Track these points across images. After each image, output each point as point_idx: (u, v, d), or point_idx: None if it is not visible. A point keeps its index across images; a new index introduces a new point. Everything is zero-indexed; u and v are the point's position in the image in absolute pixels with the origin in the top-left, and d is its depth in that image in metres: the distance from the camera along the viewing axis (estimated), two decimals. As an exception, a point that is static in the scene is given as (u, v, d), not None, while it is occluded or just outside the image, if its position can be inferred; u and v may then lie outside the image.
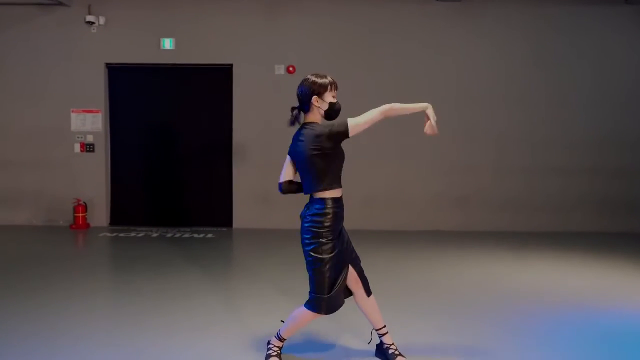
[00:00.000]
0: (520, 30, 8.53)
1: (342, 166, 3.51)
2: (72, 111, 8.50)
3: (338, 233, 3.44)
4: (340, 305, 3.47)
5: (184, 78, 8.58)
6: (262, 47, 8.44)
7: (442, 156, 8.59)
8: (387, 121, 8.50)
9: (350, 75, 8.19)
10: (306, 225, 3.39)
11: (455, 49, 8.52)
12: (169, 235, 7.97)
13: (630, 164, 8.61)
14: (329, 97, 3.42)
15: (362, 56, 8.44)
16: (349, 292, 3.57)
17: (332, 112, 3.47)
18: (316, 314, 3.44)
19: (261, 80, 8.46)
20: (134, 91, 8.64)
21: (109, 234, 7.99)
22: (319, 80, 3.43)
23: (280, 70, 8.46)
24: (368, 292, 3.61)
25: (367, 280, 3.62)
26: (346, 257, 3.50)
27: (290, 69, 8.44)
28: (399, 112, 3.64)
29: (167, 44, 8.41)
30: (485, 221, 8.59)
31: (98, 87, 8.50)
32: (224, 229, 8.52)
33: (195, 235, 7.95)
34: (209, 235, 7.97)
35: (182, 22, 8.42)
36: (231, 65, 8.47)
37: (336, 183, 3.46)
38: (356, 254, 3.63)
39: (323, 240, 3.35)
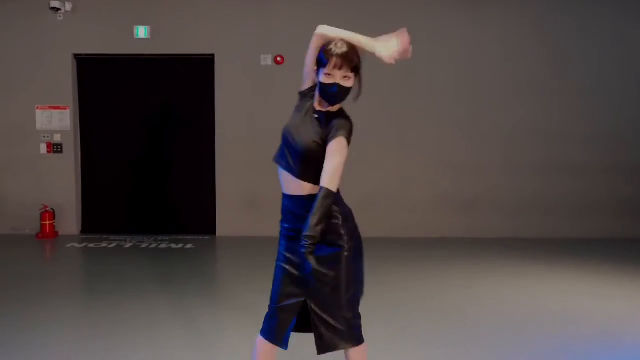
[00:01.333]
0: (531, 16, 7.71)
1: (285, 139, 2.64)
2: (37, 108, 7.66)
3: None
4: (281, 335, 2.58)
5: (161, 70, 7.75)
6: (247, 35, 7.62)
7: (447, 154, 7.77)
8: (386, 117, 7.72)
9: None
10: None
11: (460, 37, 7.69)
12: (144, 245, 7.14)
13: (656, 161, 7.81)
14: (321, 75, 2.51)
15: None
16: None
17: (322, 94, 2.54)
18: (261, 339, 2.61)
19: (246, 72, 7.63)
20: (106, 85, 7.80)
21: (77, 245, 7.16)
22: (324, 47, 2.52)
23: (267, 60, 7.63)
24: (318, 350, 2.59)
25: (322, 337, 2.56)
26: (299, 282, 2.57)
27: (279, 59, 7.61)
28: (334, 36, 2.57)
29: (142, 32, 7.58)
30: (496, 227, 7.78)
31: (66, 80, 7.66)
32: (207, 237, 7.70)
33: (173, 246, 7.13)
34: (189, 246, 7.14)
35: (158, 8, 7.59)
36: (213, 55, 7.64)
37: (277, 158, 2.72)
38: (321, 297, 2.53)
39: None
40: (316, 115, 2.54)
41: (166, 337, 3.99)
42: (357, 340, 2.60)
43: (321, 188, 2.39)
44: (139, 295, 4.98)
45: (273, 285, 2.63)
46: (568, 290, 5.31)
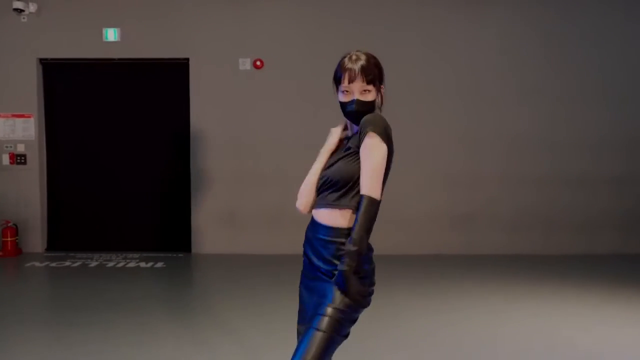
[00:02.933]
0: (532, 21, 7.16)
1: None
2: (-1, 116, 7.15)
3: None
4: None
5: (132, 75, 7.21)
6: (223, 38, 7.08)
7: (443, 165, 7.20)
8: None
9: (329, 70, 6.87)
10: None
11: (457, 41, 7.15)
12: (110, 264, 6.56)
13: (666, 172, 7.22)
14: (339, 93, 2.28)
15: (344, 50, 7.05)
16: None
17: (345, 114, 2.29)
18: None
19: (223, 77, 7.09)
20: (73, 91, 7.27)
21: (38, 264, 6.59)
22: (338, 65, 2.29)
23: (245, 65, 7.09)
24: None
25: None
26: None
27: (258, 63, 7.07)
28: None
29: (111, 35, 7.06)
30: (494, 242, 7.19)
31: (30, 86, 7.12)
32: (181, 254, 7.12)
33: (142, 265, 6.55)
34: (159, 264, 6.56)
35: (129, 9, 7.06)
36: (188, 59, 7.10)
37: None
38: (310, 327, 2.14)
39: None
40: (346, 142, 2.29)
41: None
42: None
43: (362, 197, 2.12)
44: (94, 326, 4.39)
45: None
46: (571, 312, 4.71)
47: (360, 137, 2.15)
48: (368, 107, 2.22)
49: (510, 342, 4.09)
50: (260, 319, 4.57)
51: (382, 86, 2.28)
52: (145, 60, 7.11)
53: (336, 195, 2.22)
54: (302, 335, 2.17)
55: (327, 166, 2.28)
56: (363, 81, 2.20)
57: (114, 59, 7.10)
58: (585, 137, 7.22)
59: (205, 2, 7.07)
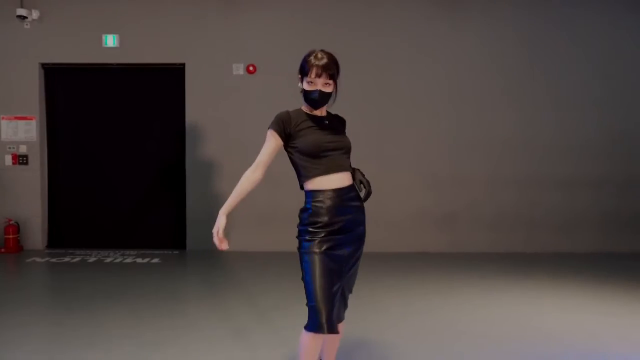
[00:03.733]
0: (513, 24, 7.49)
1: (327, 150, 2.80)
2: (2, 118, 7.44)
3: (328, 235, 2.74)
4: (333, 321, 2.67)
5: (130, 80, 7.52)
6: (218, 44, 7.40)
7: (427, 167, 7.50)
8: (363, 126, 7.48)
9: None
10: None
11: (440, 46, 7.47)
12: (108, 260, 6.85)
13: (642, 174, 7.53)
14: (304, 82, 2.81)
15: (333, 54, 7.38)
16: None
17: (306, 101, 2.86)
18: (314, 333, 2.65)
19: (218, 81, 7.40)
20: (73, 95, 7.58)
21: (39, 259, 6.87)
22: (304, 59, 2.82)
23: (239, 70, 7.40)
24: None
25: (341, 312, 2.86)
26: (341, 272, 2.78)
27: (251, 68, 7.39)
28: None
29: (110, 41, 7.37)
30: (478, 241, 7.49)
31: (32, 90, 7.44)
32: (176, 251, 7.41)
33: (139, 260, 6.84)
34: (155, 260, 6.85)
35: (127, 16, 7.38)
36: (183, 65, 7.42)
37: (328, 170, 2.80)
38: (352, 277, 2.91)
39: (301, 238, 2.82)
40: (327, 122, 2.85)
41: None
42: None
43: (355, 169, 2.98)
44: (88, 313, 4.68)
45: (312, 281, 2.65)
46: (550, 307, 5.00)
47: (341, 121, 3.01)
48: (327, 97, 2.81)
49: (487, 332, 4.38)
50: (250, 307, 4.85)
51: (336, 81, 2.82)
52: (142, 65, 7.42)
53: (348, 161, 2.89)
54: (346, 281, 2.79)
55: (332, 140, 2.80)
56: (326, 77, 2.75)
57: (112, 64, 7.41)
58: (566, 140, 7.52)
59: (201, 10, 7.38)
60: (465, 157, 7.52)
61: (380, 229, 7.41)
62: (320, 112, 2.87)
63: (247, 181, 2.90)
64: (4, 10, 7.30)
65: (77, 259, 6.89)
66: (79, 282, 5.78)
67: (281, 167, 7.35)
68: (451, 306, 4.99)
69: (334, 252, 2.70)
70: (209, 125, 7.42)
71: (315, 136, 2.78)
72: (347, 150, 2.88)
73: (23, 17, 7.27)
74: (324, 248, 2.68)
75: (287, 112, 2.84)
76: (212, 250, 7.32)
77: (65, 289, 5.58)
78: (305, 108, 2.87)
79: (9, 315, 4.60)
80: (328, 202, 2.73)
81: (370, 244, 7.54)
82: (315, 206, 2.74)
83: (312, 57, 2.75)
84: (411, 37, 7.44)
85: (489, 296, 5.32)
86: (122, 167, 7.59)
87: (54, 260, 6.86)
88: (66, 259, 6.89)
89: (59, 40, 7.38)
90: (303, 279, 2.70)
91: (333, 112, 3.03)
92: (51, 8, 7.35)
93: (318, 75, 2.74)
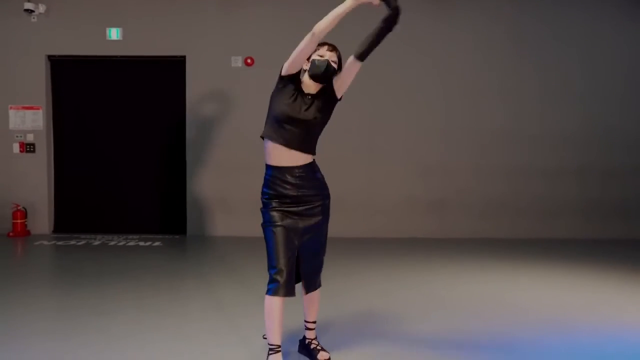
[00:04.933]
0: (504, 20, 7.79)
1: (286, 119, 3.04)
2: (10, 108, 7.75)
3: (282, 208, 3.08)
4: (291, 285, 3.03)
5: (133, 71, 7.85)
6: (217, 37, 7.72)
7: (416, 155, 7.82)
8: (355, 117, 7.80)
9: None
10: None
11: (430, 41, 7.78)
12: (112, 243, 7.19)
13: (623, 163, 7.85)
14: (314, 55, 3.13)
15: (328, 47, 7.69)
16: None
17: (312, 69, 3.11)
18: (273, 297, 2.97)
19: (217, 73, 7.72)
20: (79, 86, 7.90)
21: (46, 243, 7.21)
22: None
23: (237, 62, 7.72)
24: (306, 290, 3.25)
25: (311, 279, 3.23)
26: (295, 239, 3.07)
27: (249, 60, 7.70)
28: (328, 24, 3.11)
29: (114, 34, 7.68)
30: (465, 227, 7.81)
31: (39, 81, 7.76)
32: (177, 236, 7.75)
33: (141, 244, 7.17)
34: (156, 244, 7.19)
35: (130, 10, 7.69)
36: (184, 57, 7.74)
37: (272, 136, 3.08)
38: (315, 252, 3.20)
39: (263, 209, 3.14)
40: (309, 97, 3.04)
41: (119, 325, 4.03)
42: (321, 281, 3.30)
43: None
44: (93, 287, 5.03)
45: (272, 249, 2.99)
46: (526, 284, 5.34)
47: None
48: (332, 72, 3.12)
49: (468, 306, 4.72)
50: (242, 288, 5.19)
51: (339, 68, 3.17)
52: (145, 57, 7.73)
53: (310, 139, 3.18)
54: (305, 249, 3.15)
55: (303, 117, 3.05)
56: (334, 54, 3.15)
57: (116, 56, 7.73)
58: (551, 131, 7.83)
59: (201, 4, 7.69)
60: (454, 147, 7.83)
61: (371, 216, 7.75)
62: (316, 87, 3.11)
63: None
64: (12, 4, 7.61)
65: (82, 242, 7.22)
66: (84, 261, 6.13)
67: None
68: (437, 283, 5.33)
69: (286, 222, 3.02)
70: (209, 115, 7.74)
71: (281, 100, 3.07)
72: (303, 134, 3.05)
73: (30, 11, 7.58)
74: (277, 220, 3.02)
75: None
76: (211, 235, 7.70)
77: (72, 267, 5.92)
78: (304, 87, 3.11)
79: (21, 288, 4.94)
80: (279, 178, 3.05)
81: (362, 230, 7.87)
82: (266, 180, 3.11)
83: (325, 43, 3.13)
84: (402, 30, 7.70)
85: (472, 276, 5.65)
86: (125, 155, 7.91)
87: (60, 243, 7.20)
88: (72, 242, 7.23)
89: (64, 33, 7.69)
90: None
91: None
92: (57, 2, 7.65)
93: (329, 49, 3.11)
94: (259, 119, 7.70)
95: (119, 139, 7.90)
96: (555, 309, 4.54)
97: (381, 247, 7.07)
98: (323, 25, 3.00)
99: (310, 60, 3.08)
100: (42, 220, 7.85)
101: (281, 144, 3.03)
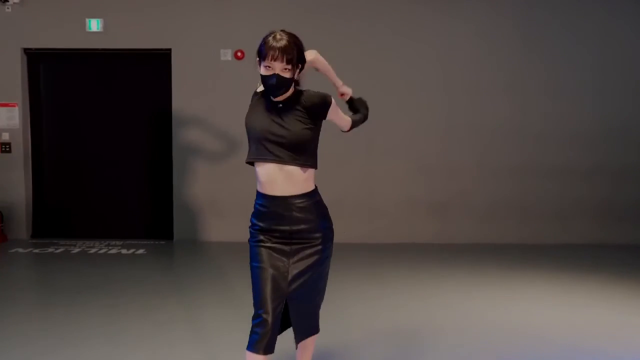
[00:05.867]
0: (510, 12, 7.29)
1: (261, 136, 2.56)
2: (-16, 105, 7.27)
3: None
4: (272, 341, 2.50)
5: (115, 65, 7.35)
6: (205, 29, 7.21)
7: (417, 155, 7.36)
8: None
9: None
10: None
11: (433, 33, 7.29)
12: (92, 250, 6.73)
13: (637, 163, 7.40)
14: (262, 67, 2.54)
15: (323, 41, 7.17)
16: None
17: (265, 86, 2.58)
18: (251, 353, 2.47)
19: (205, 67, 7.23)
20: (57, 81, 7.39)
21: (22, 250, 6.74)
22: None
23: (226, 55, 7.23)
24: (297, 339, 2.65)
25: (302, 326, 2.66)
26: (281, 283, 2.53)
27: (239, 54, 7.21)
28: (321, 65, 2.96)
29: (94, 25, 7.17)
30: (468, 231, 7.36)
31: (14, 76, 7.24)
32: (163, 241, 7.29)
33: (124, 251, 6.71)
34: (140, 251, 6.73)
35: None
36: (170, 50, 7.23)
37: (257, 156, 2.59)
38: (308, 299, 2.64)
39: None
40: (280, 105, 2.55)
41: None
42: (318, 326, 2.79)
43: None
44: (64, 306, 4.57)
45: (256, 292, 2.52)
46: (541, 299, 4.91)
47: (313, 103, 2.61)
48: (288, 84, 2.52)
49: (476, 320, 4.28)
50: (230, 309, 4.74)
51: (298, 65, 2.55)
52: (127, 50, 7.23)
53: (290, 154, 2.60)
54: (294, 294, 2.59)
55: (272, 130, 2.55)
56: (283, 61, 2.46)
57: (96, 49, 7.23)
58: (560, 128, 7.37)
59: (187, -7, 7.19)
60: (456, 147, 7.37)
61: (368, 219, 7.30)
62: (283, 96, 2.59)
63: None
64: (-16, -7, 7.10)
65: (60, 250, 6.76)
66: (59, 274, 5.66)
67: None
68: (436, 299, 4.88)
69: (275, 264, 2.54)
70: (197, 112, 7.26)
71: (255, 117, 2.61)
72: (288, 143, 2.51)
73: (4, 1, 7.07)
74: (263, 260, 2.54)
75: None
76: (200, 240, 7.24)
77: (44, 282, 5.49)
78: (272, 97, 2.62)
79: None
80: (271, 209, 2.57)
81: (359, 235, 7.43)
82: (256, 209, 2.65)
83: (270, 38, 2.50)
84: (403, 24, 7.26)
85: (476, 288, 5.21)
86: (108, 155, 7.43)
87: (37, 250, 6.74)
88: (50, 250, 6.76)
89: (41, 25, 7.18)
90: None
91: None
92: (33, -9, 7.15)
93: (274, 59, 2.45)
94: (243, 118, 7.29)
95: (100, 138, 7.41)
96: (578, 333, 4.10)
97: (381, 254, 6.63)
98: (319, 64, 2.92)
99: (261, 75, 2.53)
100: (19, 224, 7.37)
101: (270, 160, 2.53)
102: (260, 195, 2.61)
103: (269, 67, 2.47)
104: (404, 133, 7.35)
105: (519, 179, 7.38)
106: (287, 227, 2.55)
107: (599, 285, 5.40)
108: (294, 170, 2.53)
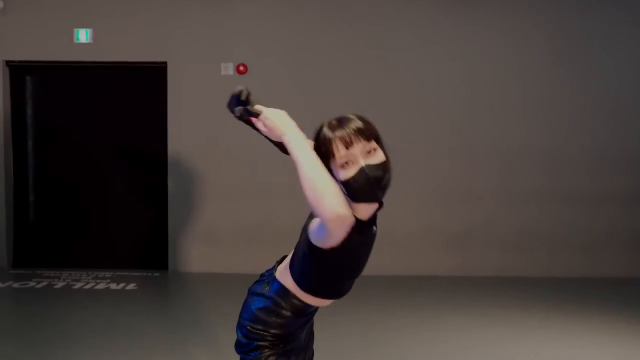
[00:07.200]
0: (537, 23, 6.66)
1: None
2: (-38, 122, 6.65)
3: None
4: None
5: (105, 80, 6.75)
6: (204, 41, 6.61)
7: (437, 180, 6.71)
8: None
9: (318, 77, 6.54)
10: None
11: (453, 43, 6.66)
12: (77, 285, 6.08)
13: (680, 190, 6.75)
14: (337, 171, 1.81)
15: (332, 52, 6.60)
16: None
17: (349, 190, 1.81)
18: None
19: (204, 82, 6.61)
20: (42, 96, 6.79)
21: (0, 284, 6.10)
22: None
23: (228, 69, 6.61)
24: None
25: None
26: None
27: (241, 68, 6.61)
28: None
29: (83, 36, 6.57)
30: (492, 264, 6.71)
31: (-5, 91, 6.65)
32: (157, 273, 6.64)
33: (113, 286, 6.06)
34: (131, 286, 6.07)
35: (102, 8, 6.57)
36: (165, 63, 6.62)
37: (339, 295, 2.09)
38: None
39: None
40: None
41: None
42: None
43: None
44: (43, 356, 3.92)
45: None
46: (580, 341, 4.29)
47: None
48: (384, 170, 1.82)
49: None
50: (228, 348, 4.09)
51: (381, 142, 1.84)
52: (119, 63, 6.64)
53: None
54: None
55: None
56: (363, 140, 1.76)
57: (85, 62, 6.62)
58: (595, 150, 6.73)
59: (185, 2, 6.59)
60: (479, 170, 6.73)
61: (385, 249, 6.63)
62: None
63: None
64: (-37, 0, 6.50)
65: (43, 284, 6.11)
66: (39, 317, 5.01)
67: (273, 176, 6.57)
68: (457, 343, 4.23)
69: None
70: (193, 131, 6.64)
71: (365, 255, 2.09)
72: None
73: (-16, 9, 6.47)
74: None
75: None
76: (196, 272, 6.59)
77: (20, 329, 4.81)
78: None
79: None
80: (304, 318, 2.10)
81: (371, 266, 6.77)
82: (284, 316, 2.08)
83: (324, 129, 1.81)
84: (420, 33, 6.64)
85: (503, 328, 4.56)
86: (97, 176, 6.81)
87: (16, 285, 6.09)
88: (31, 284, 6.11)
89: (25, 35, 6.58)
90: None
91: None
92: (16, -1, 6.55)
93: (348, 146, 1.76)
94: (252, 137, 6.64)
95: (89, 158, 6.79)
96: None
97: (394, 287, 6.01)
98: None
99: (340, 185, 1.80)
100: (0, 252, 6.75)
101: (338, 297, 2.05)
102: (300, 305, 2.06)
103: (348, 162, 1.78)
104: (421, 154, 6.71)
105: (549, 206, 6.73)
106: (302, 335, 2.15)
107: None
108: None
